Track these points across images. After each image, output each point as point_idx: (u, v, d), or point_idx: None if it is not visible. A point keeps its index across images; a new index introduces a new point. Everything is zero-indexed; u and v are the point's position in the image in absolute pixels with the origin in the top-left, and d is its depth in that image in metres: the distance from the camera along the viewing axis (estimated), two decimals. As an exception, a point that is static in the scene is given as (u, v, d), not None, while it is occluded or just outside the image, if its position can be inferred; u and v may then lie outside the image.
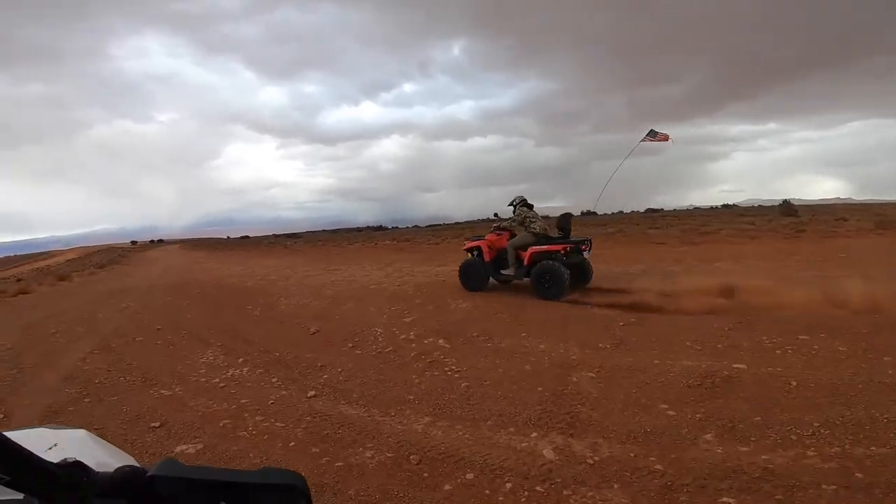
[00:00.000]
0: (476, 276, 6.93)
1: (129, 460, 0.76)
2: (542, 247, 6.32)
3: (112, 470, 0.52)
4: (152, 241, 73.70)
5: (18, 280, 16.97)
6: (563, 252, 6.16)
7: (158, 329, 6.48)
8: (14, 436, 0.63)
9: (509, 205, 6.99)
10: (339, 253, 19.82)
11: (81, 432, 0.86)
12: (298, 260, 17.31)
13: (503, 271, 6.77)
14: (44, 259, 44.08)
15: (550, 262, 6.12)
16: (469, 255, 7.12)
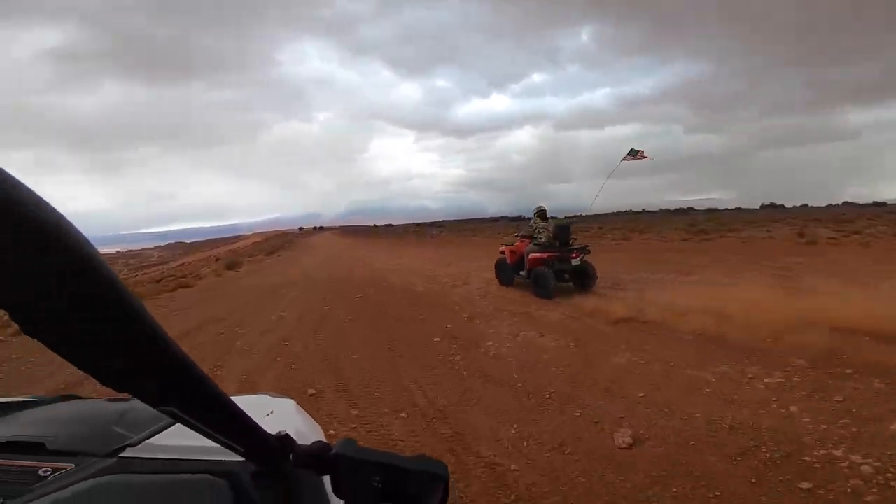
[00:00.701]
0: (504, 274, 8.17)
1: (321, 434, 0.86)
2: (538, 255, 7.30)
3: (309, 443, 0.58)
4: (315, 228, 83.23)
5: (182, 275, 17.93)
6: (549, 259, 7.12)
7: (312, 394, 3.76)
8: (240, 400, 0.80)
9: (532, 215, 7.94)
10: (487, 245, 17.73)
11: (291, 402, 0.98)
12: (451, 252, 15.60)
13: (519, 273, 7.86)
14: (235, 242, 51.52)
15: (542, 267, 7.07)
16: (501, 255, 8.41)
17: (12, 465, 0.65)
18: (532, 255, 7.33)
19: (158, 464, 0.66)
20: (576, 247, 7.26)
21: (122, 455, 0.69)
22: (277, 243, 31.73)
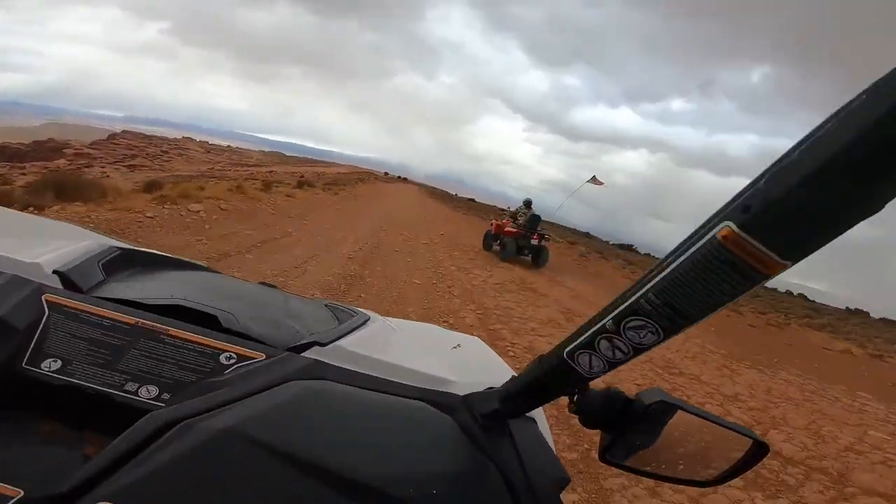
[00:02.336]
0: (487, 241, 11.32)
1: (510, 373, 0.76)
2: (510, 230, 10.42)
3: (499, 383, 0.57)
4: (399, 177, 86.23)
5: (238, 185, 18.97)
6: (515, 236, 10.29)
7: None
8: (412, 325, 0.97)
9: (523, 203, 11.36)
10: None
11: (478, 340, 0.99)
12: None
13: (496, 241, 11.08)
14: (325, 167, 55.09)
15: (510, 238, 10.28)
16: (490, 227, 11.77)
17: (192, 341, 0.57)
18: (506, 230, 10.51)
19: (361, 377, 0.60)
20: (538, 232, 10.30)
21: (307, 355, 0.61)
22: (353, 180, 33.44)
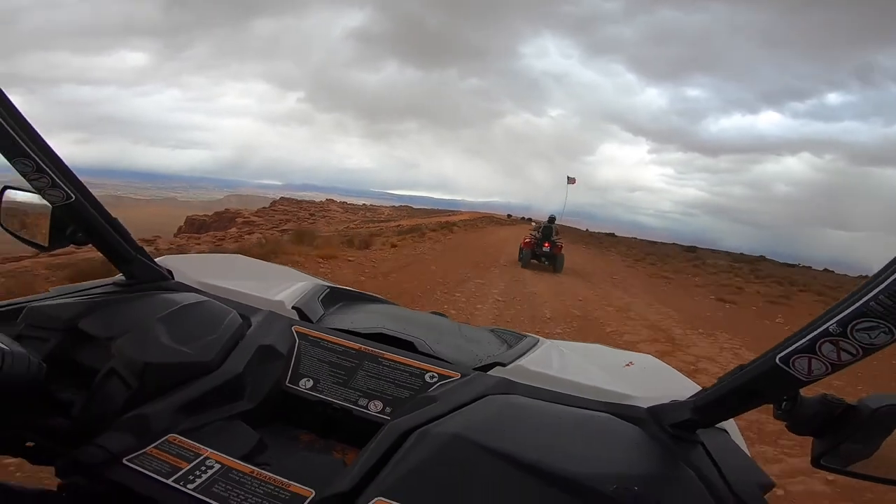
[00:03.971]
0: (520, 253, 12.66)
1: (694, 387, 0.73)
2: (526, 241, 12.42)
3: (681, 399, 0.59)
4: (523, 218, 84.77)
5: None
6: (530, 245, 12.21)
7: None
8: (580, 346, 0.99)
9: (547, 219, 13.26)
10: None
11: (651, 357, 0.98)
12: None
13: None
14: (448, 216, 57.00)
15: (526, 249, 12.18)
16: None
17: (403, 363, 0.72)
18: (523, 242, 12.49)
19: (545, 393, 0.67)
20: (550, 240, 11.95)
21: (491, 373, 0.71)
22: (473, 227, 33.47)
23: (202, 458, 0.54)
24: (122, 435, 0.55)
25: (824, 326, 0.39)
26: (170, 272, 0.90)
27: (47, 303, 0.71)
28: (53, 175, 0.66)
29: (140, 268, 0.83)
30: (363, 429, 0.62)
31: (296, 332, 0.76)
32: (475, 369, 0.72)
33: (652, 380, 0.86)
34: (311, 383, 0.69)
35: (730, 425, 0.65)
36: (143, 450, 0.54)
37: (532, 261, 11.99)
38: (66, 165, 0.69)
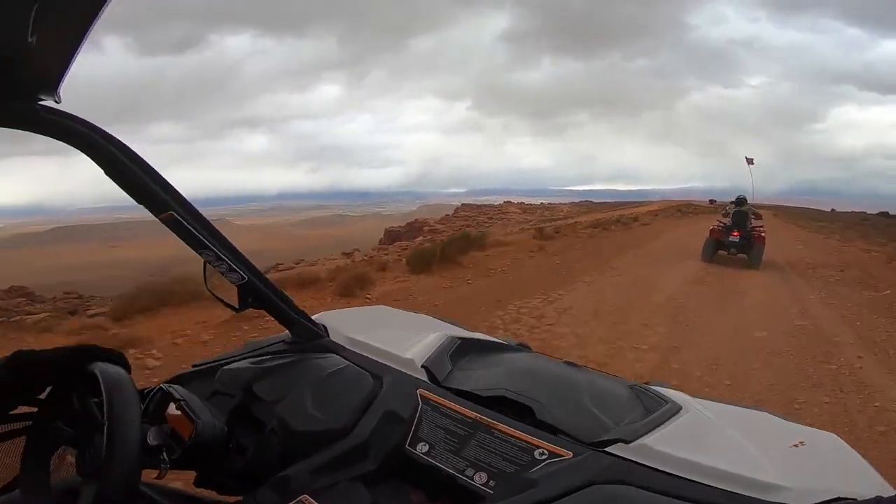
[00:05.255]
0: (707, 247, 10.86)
1: (889, 489, 0.63)
2: (713, 229, 10.21)
3: (866, 495, 0.52)
4: (732, 202, 71.31)
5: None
6: (716, 234, 10.06)
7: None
8: (739, 412, 0.90)
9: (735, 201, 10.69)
10: None
11: (833, 436, 0.83)
12: None
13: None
14: (633, 207, 52.11)
15: (711, 238, 10.10)
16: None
17: (513, 436, 0.73)
18: (710, 230, 10.30)
19: (664, 479, 0.63)
20: (740, 227, 9.80)
21: (610, 451, 0.68)
22: (663, 216, 29.24)
23: None
24: (272, 492, 0.71)
25: None
26: (325, 328, 1.09)
27: (235, 366, 0.97)
28: (230, 262, 0.88)
29: (301, 327, 1.04)
30: (466, 498, 0.68)
31: (420, 395, 0.83)
32: (593, 444, 0.70)
33: (822, 468, 0.72)
34: (426, 448, 0.75)
35: None
36: None
37: (720, 252, 9.94)
38: (240, 252, 0.91)
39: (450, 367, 0.94)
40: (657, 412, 0.77)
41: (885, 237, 16.73)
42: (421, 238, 40.30)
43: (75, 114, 0.67)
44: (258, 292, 0.94)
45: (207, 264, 0.95)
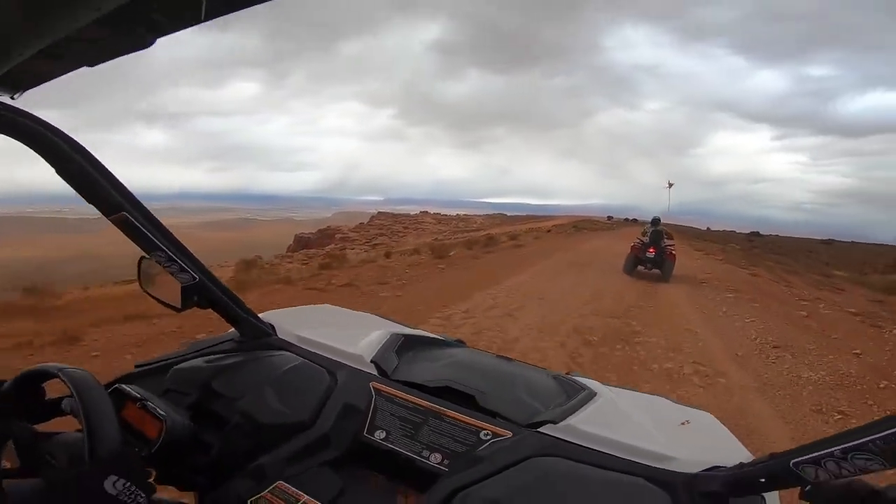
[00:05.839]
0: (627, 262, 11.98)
1: (746, 455, 0.76)
2: (632, 246, 11.46)
3: (731, 465, 0.63)
4: (626, 220, 78.78)
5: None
6: (634, 251, 11.20)
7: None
8: (639, 397, 1.07)
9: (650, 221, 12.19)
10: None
11: (709, 415, 0.99)
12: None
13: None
14: (540, 221, 55.24)
15: (630, 254, 11.29)
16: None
17: (460, 420, 0.81)
18: (631, 246, 11.42)
19: (588, 453, 0.73)
20: (655, 244, 10.95)
21: (542, 431, 0.78)
22: (567, 231, 31.31)
23: (301, 502, 0.71)
24: (246, 480, 0.74)
25: (832, 449, 0.49)
26: (273, 326, 1.10)
27: (187, 364, 0.96)
28: (181, 262, 0.90)
29: (248, 325, 1.05)
30: (425, 476, 0.74)
31: (373, 387, 0.88)
32: (528, 425, 0.79)
33: (703, 442, 0.87)
34: (384, 434, 0.81)
35: (771, 495, 0.66)
36: (261, 493, 0.72)
37: (638, 267, 11.11)
38: (190, 253, 0.93)
39: (396, 361, 1.00)
40: (577, 398, 0.89)
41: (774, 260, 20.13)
42: (333, 245, 39.06)
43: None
44: (206, 292, 0.95)
45: (143, 263, 0.98)
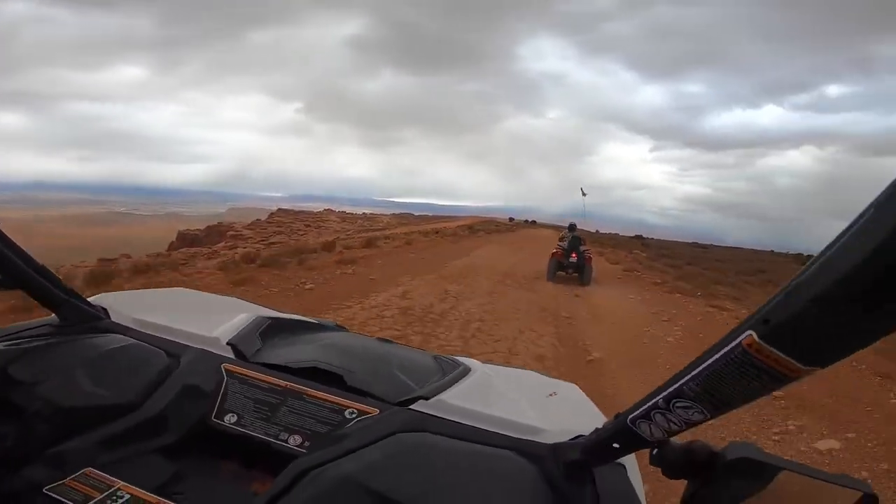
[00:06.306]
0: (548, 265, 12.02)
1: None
2: (553, 252, 11.44)
3: (587, 432, 0.62)
4: (526, 221, 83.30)
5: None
6: (556, 256, 11.22)
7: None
8: (511, 372, 1.05)
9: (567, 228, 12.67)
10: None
11: (574, 387, 1.03)
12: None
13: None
14: (447, 222, 56.00)
15: (552, 260, 11.21)
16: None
17: (324, 399, 0.75)
18: (552, 253, 11.36)
19: (457, 427, 0.71)
20: (575, 250, 11.15)
21: (413, 408, 0.75)
22: (472, 232, 31.97)
23: (113, 489, 0.62)
24: (44, 468, 0.64)
25: (655, 399, 0.45)
26: (105, 311, 0.95)
27: None
28: None
29: (72, 309, 0.90)
30: (283, 460, 0.65)
31: (225, 370, 0.79)
32: (398, 403, 0.76)
33: (568, 412, 0.91)
34: (235, 418, 0.73)
35: (629, 460, 0.68)
36: (62, 481, 0.62)
37: (559, 272, 11.20)
38: None
39: (260, 344, 0.91)
40: (452, 374, 0.88)
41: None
42: (224, 243, 35.65)
43: None
44: (13, 269, 0.79)
45: None
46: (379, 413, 0.72)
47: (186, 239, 46.88)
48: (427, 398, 0.76)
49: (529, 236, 35.27)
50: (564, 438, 0.68)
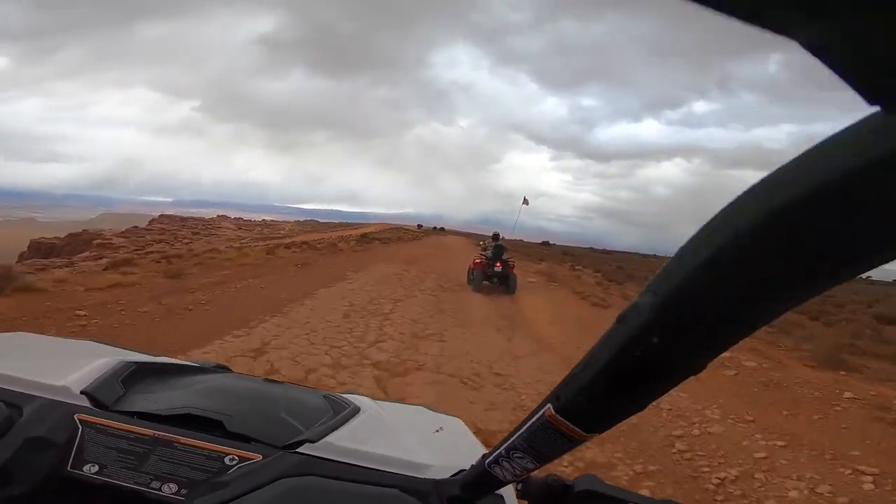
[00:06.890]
0: (469, 275, 11.83)
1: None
2: (477, 262, 11.38)
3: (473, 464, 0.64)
4: (435, 228, 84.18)
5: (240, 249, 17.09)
6: (481, 266, 11.16)
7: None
8: (400, 409, 1.07)
9: (491, 236, 12.67)
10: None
11: (459, 421, 1.04)
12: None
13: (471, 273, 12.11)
14: (354, 229, 54.33)
15: (477, 270, 11.10)
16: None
17: (200, 447, 0.69)
18: (474, 262, 11.28)
19: (345, 469, 0.70)
20: (502, 260, 11.01)
21: (300, 451, 0.72)
22: (368, 244, 30.96)
23: None
24: None
25: (499, 450, 0.51)
26: None
27: None
28: None
29: None
30: None
31: (79, 420, 0.71)
32: (284, 447, 0.73)
33: (452, 448, 0.90)
34: (96, 468, 0.66)
35: (507, 491, 0.69)
36: None
37: (484, 282, 10.91)
38: None
39: (121, 391, 0.81)
40: (341, 414, 0.84)
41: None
42: (88, 253, 30.81)
43: None
44: None
45: None
46: (262, 458, 0.69)
47: (41, 249, 39.90)
48: (314, 441, 0.74)
49: (438, 244, 32.25)
50: (448, 474, 0.69)
